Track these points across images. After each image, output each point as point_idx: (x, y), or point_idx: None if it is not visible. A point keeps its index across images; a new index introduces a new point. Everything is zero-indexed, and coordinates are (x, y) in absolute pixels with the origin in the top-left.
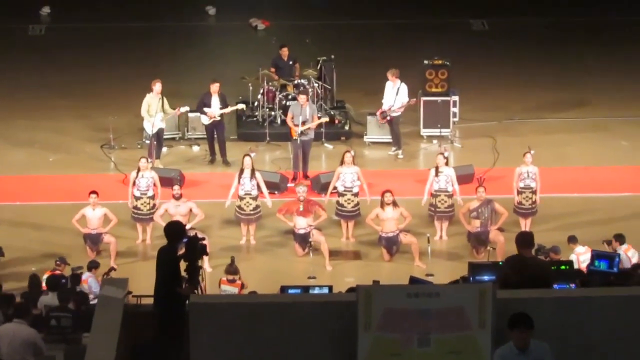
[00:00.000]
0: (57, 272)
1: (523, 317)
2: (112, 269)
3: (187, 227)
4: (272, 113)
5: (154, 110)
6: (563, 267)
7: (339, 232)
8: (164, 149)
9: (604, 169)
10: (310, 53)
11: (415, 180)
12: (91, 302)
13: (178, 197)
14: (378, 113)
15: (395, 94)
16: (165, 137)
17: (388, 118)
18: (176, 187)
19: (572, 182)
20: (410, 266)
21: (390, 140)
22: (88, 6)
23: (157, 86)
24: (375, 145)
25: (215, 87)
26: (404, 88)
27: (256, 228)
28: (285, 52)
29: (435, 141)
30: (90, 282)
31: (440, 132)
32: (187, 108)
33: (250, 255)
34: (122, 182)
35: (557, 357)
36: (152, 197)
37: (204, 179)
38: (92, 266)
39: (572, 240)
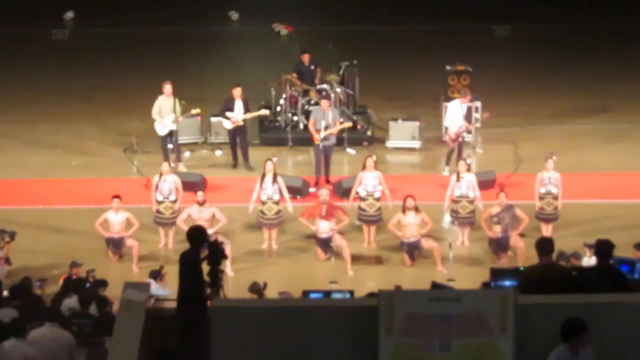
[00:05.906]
0: (73, 276)
1: (581, 322)
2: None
3: (210, 232)
4: (295, 118)
5: (166, 113)
6: None
7: (360, 237)
8: (187, 153)
9: (625, 175)
10: (332, 58)
11: (437, 185)
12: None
13: (202, 203)
14: (448, 136)
15: (463, 115)
16: (188, 141)
17: (460, 140)
18: (200, 193)
19: (594, 188)
20: (432, 271)
21: (414, 147)
22: (112, 11)
23: (167, 88)
24: (398, 151)
25: (237, 92)
26: (466, 108)
27: (278, 232)
28: (306, 57)
29: None
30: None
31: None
32: (197, 110)
33: (272, 260)
34: (144, 186)
35: None
36: (175, 202)
37: (227, 183)
38: (156, 276)
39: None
